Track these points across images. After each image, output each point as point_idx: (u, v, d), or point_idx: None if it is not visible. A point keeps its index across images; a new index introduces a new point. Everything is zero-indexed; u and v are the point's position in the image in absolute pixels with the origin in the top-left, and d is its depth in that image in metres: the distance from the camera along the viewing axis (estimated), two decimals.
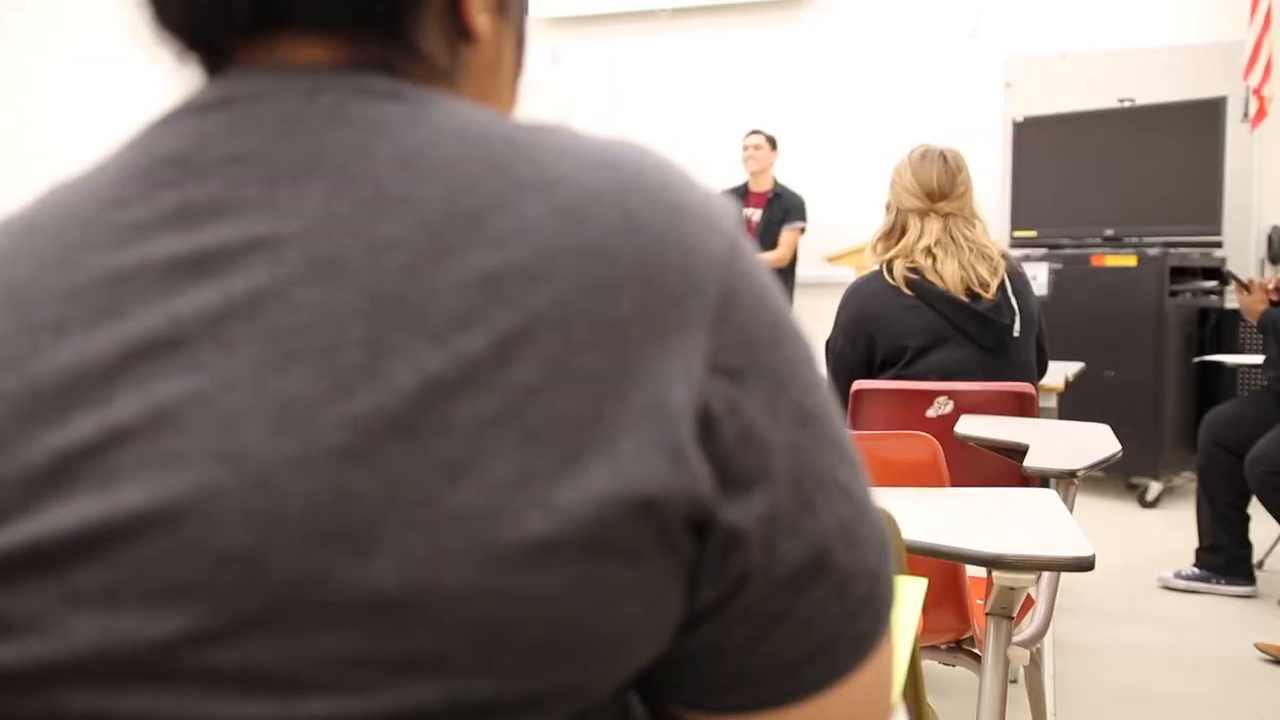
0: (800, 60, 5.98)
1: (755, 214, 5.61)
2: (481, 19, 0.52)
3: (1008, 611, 1.26)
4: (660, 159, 0.48)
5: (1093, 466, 1.58)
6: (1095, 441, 1.82)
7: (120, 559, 0.39)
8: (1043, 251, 4.93)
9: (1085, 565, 1.11)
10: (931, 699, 2.44)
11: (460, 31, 0.52)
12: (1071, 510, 1.64)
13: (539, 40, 6.30)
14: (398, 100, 0.47)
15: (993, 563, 1.13)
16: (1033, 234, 5.08)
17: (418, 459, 0.39)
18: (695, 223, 0.45)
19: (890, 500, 1.44)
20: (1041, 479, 1.77)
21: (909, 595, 0.87)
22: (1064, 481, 1.66)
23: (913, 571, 1.37)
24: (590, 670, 0.42)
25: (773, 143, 5.61)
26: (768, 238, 5.52)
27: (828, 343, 2.43)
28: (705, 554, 0.43)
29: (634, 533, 0.41)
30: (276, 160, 0.44)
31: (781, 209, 5.55)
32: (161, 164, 0.46)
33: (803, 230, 5.56)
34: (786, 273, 5.56)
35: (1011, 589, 1.21)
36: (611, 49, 6.34)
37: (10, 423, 0.41)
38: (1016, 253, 4.96)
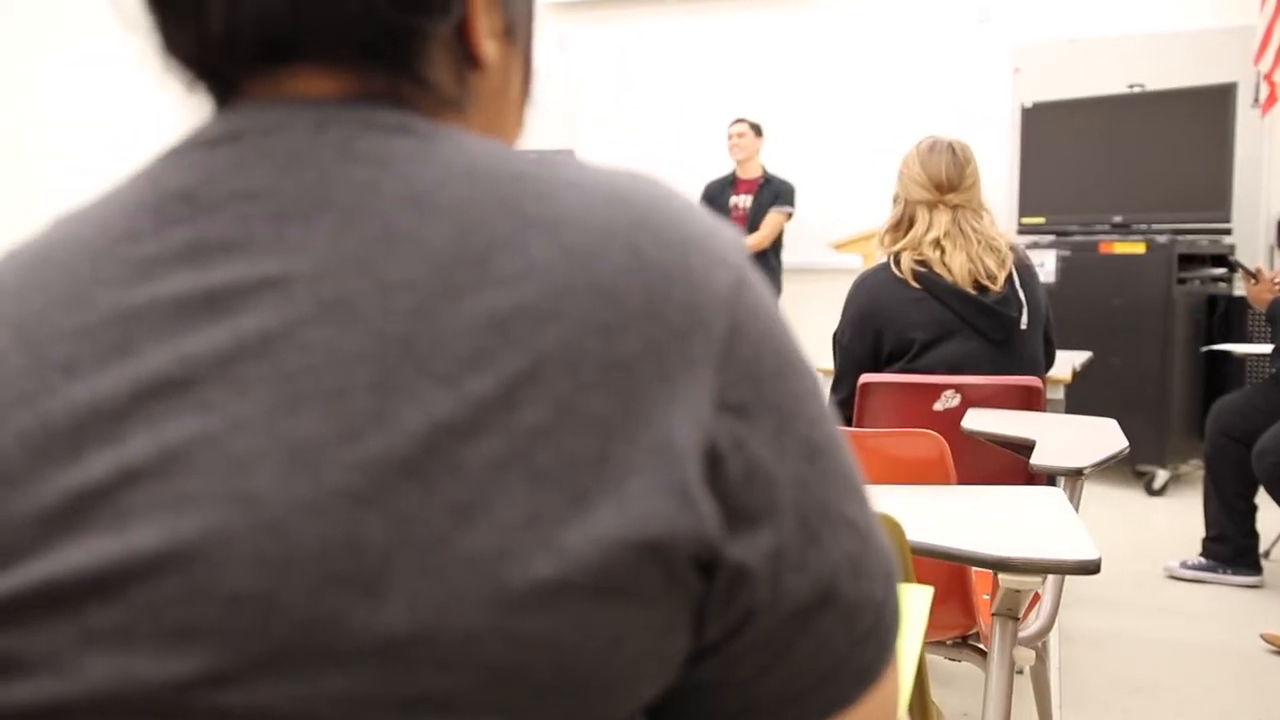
0: (809, 46, 5.95)
1: (744, 200, 5.60)
2: (489, 46, 0.52)
3: (1014, 612, 1.26)
4: (667, 191, 0.48)
5: (1099, 464, 1.58)
6: (1102, 437, 1.82)
7: (134, 600, 0.40)
8: (1050, 238, 4.92)
9: (1091, 569, 1.11)
10: (936, 691, 2.45)
11: (468, 59, 0.52)
12: (1078, 506, 1.65)
13: (547, 26, 6.28)
14: (406, 135, 0.47)
15: (999, 566, 1.14)
16: (1041, 220, 5.06)
17: (427, 502, 0.40)
18: (701, 257, 0.45)
19: (897, 498, 1.45)
20: (1048, 476, 1.77)
21: (915, 604, 0.87)
22: (1071, 479, 1.66)
23: (919, 568, 1.37)
24: (596, 707, 0.43)
25: (757, 130, 5.59)
26: (757, 223, 5.51)
27: (835, 335, 2.43)
28: (712, 591, 0.44)
29: (641, 574, 0.41)
30: (286, 197, 0.45)
31: (771, 194, 5.54)
32: (171, 199, 0.46)
33: (789, 215, 5.53)
34: (770, 256, 5.52)
35: (1017, 591, 1.21)
36: (620, 35, 6.31)
37: (24, 461, 0.42)
38: (1024, 239, 4.95)
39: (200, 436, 0.41)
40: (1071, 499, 1.66)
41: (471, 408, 0.40)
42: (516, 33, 0.55)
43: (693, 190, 5.73)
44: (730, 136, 5.60)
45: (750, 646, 0.45)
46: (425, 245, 0.43)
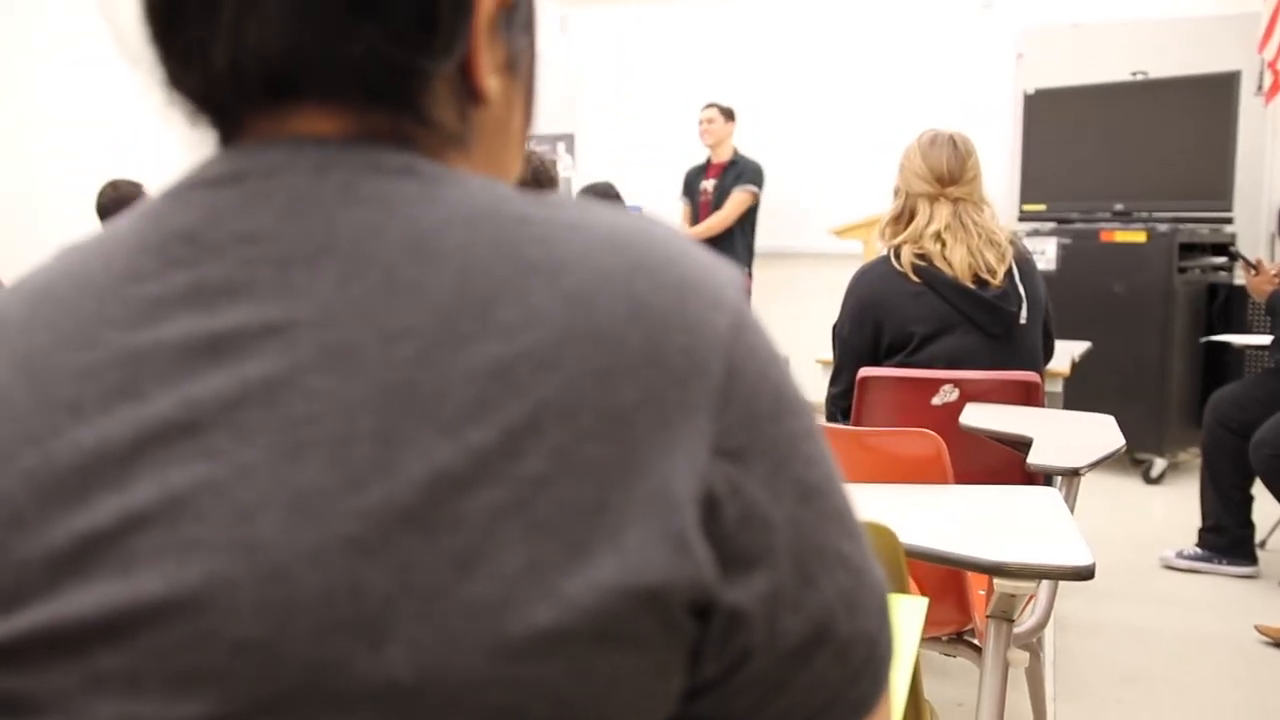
0: (812, 32, 5.93)
1: (710, 184, 5.56)
2: (491, 81, 0.52)
3: (1008, 614, 1.27)
4: (665, 232, 0.49)
5: (1095, 464, 1.59)
6: (1099, 434, 1.83)
7: (140, 645, 0.40)
8: (1051, 226, 4.91)
9: (1085, 575, 1.12)
10: (931, 682, 2.47)
11: (470, 94, 0.52)
12: (1074, 506, 1.66)
13: (549, 8, 6.25)
14: (409, 177, 0.47)
15: (994, 571, 1.15)
16: (1042, 208, 5.06)
17: (430, 550, 0.40)
18: (699, 301, 0.46)
19: (894, 498, 1.46)
20: (1045, 475, 1.78)
21: (909, 616, 0.88)
22: (1067, 478, 1.67)
23: (915, 566, 1.38)
24: None
25: (728, 114, 5.54)
26: (722, 205, 5.48)
27: (835, 327, 2.44)
28: (708, 635, 0.44)
29: (638, 621, 0.42)
30: (288, 241, 0.45)
31: (734, 175, 5.48)
32: (175, 239, 0.46)
33: (755, 195, 5.45)
34: (737, 237, 5.45)
35: (1012, 595, 1.22)
36: (622, 17, 6.29)
37: (32, 503, 0.42)
38: (1025, 226, 4.95)
39: (205, 483, 0.41)
40: (1068, 498, 1.67)
41: (473, 458, 0.41)
42: (519, 65, 0.55)
43: None
44: (700, 122, 5.54)
45: (747, 683, 0.46)
46: (427, 292, 0.43)
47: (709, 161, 5.62)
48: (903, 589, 0.93)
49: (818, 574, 0.47)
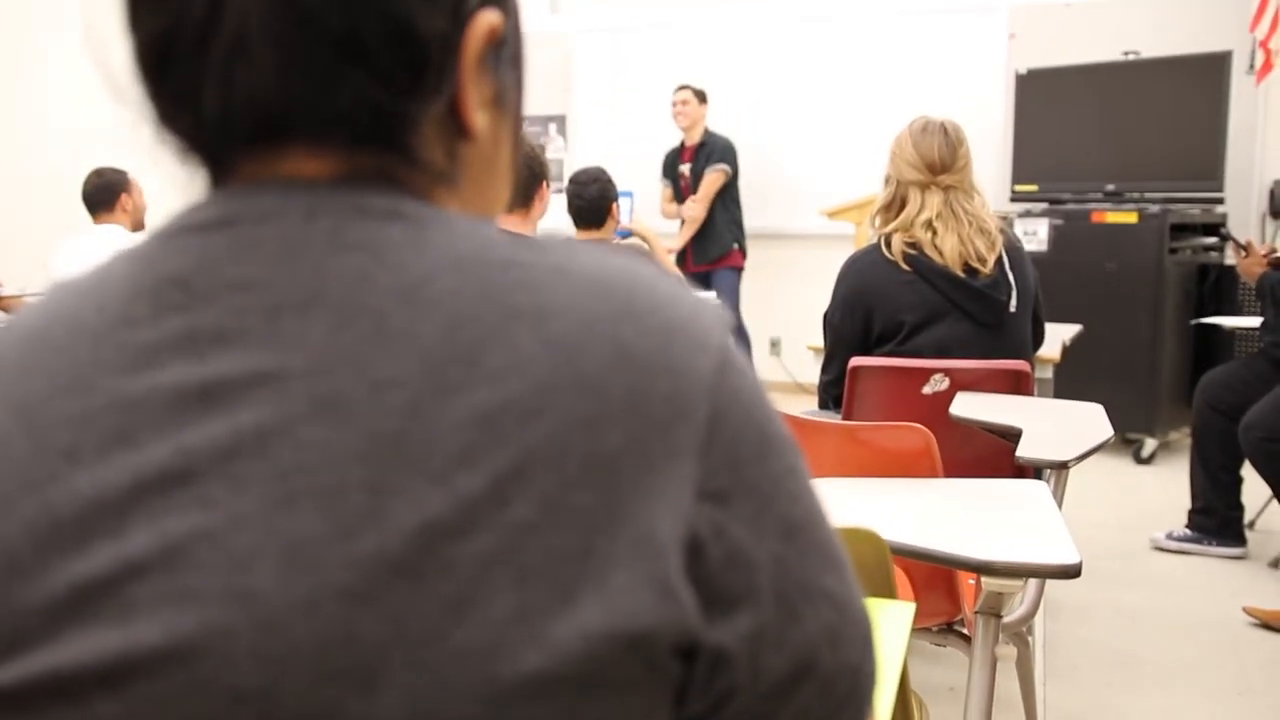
0: (803, 12, 5.91)
1: (687, 168, 5.56)
2: (479, 117, 0.53)
3: (996, 610, 1.29)
4: (652, 275, 0.49)
5: (1083, 456, 1.60)
6: (1087, 424, 1.84)
7: (138, 693, 0.41)
8: (1043, 206, 4.92)
9: (1072, 573, 1.13)
10: (923, 667, 2.49)
11: (458, 130, 0.52)
12: (1062, 498, 1.67)
13: None
14: (397, 221, 0.48)
15: (982, 569, 1.16)
16: (1034, 188, 5.06)
17: (421, 598, 0.41)
18: (684, 344, 0.47)
19: (883, 493, 1.47)
20: (1035, 469, 1.80)
21: (896, 620, 0.89)
22: (1056, 470, 1.68)
23: (904, 560, 1.40)
24: None
25: (701, 96, 5.53)
26: (698, 187, 5.48)
27: (826, 315, 2.45)
28: (693, 675, 0.45)
29: (624, 665, 0.43)
30: (279, 289, 0.46)
31: (705, 156, 5.48)
32: (167, 285, 0.47)
33: (728, 173, 5.44)
34: (719, 214, 5.45)
35: (1000, 593, 1.23)
36: None
37: (31, 551, 0.43)
38: (1017, 207, 4.96)
39: (201, 532, 0.42)
40: (1056, 489, 1.69)
41: (462, 506, 0.42)
42: (506, 99, 0.56)
43: None
44: (674, 104, 5.52)
45: (732, 718, 0.47)
46: (416, 341, 0.44)
47: (683, 144, 5.61)
48: (890, 593, 0.94)
49: (801, 610, 0.48)
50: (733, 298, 5.55)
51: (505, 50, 0.54)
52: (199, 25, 0.46)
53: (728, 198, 5.50)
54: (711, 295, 4.75)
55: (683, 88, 5.52)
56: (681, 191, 5.60)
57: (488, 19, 0.51)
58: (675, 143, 5.66)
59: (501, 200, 0.59)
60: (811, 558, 0.49)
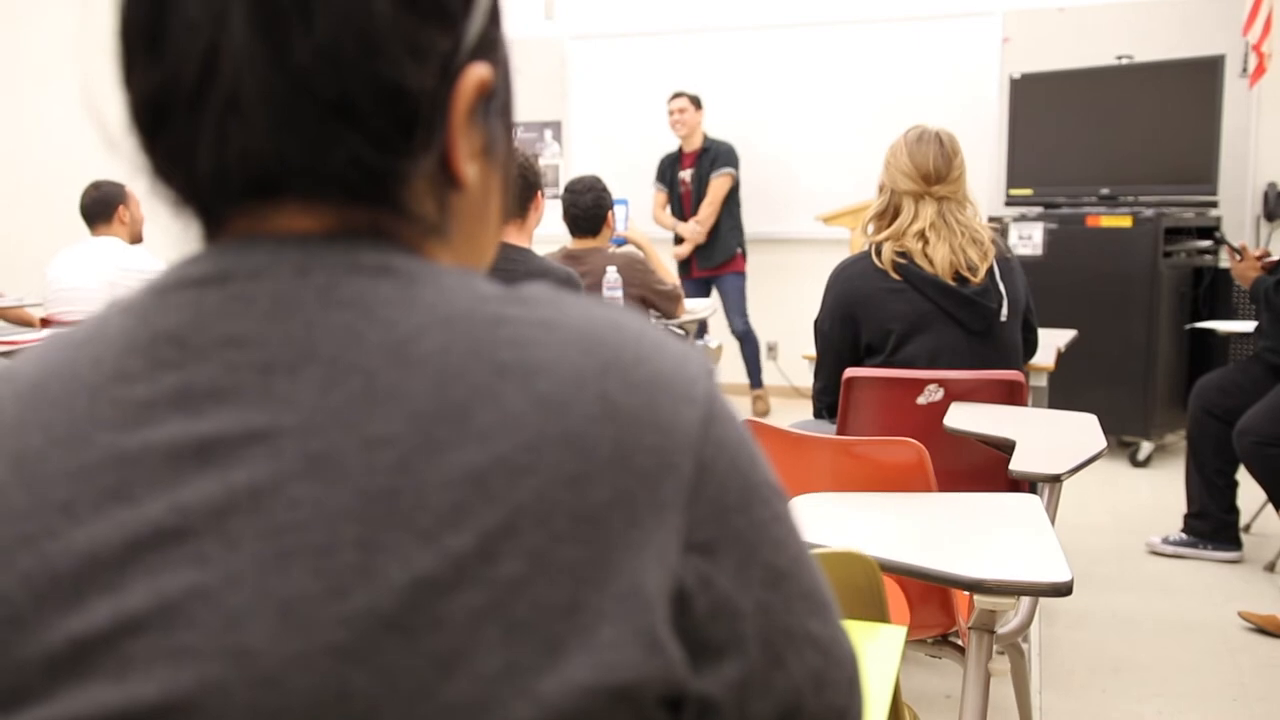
0: (799, 16, 5.92)
1: (688, 175, 5.58)
2: (469, 169, 0.53)
3: (989, 626, 1.30)
4: (638, 326, 0.50)
5: (1076, 469, 1.61)
6: (1081, 436, 1.85)
7: None
8: (1038, 210, 4.93)
9: (1063, 591, 1.14)
10: (920, 674, 2.50)
11: (449, 182, 0.53)
12: (1055, 513, 1.68)
13: None
14: (387, 277, 0.48)
15: (974, 587, 1.17)
16: (1028, 192, 5.07)
17: (412, 654, 0.42)
18: (670, 397, 0.48)
19: (876, 508, 1.48)
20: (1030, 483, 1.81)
21: (888, 644, 0.90)
22: (1049, 483, 1.69)
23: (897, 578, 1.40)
24: None
25: (696, 103, 5.56)
26: (702, 193, 5.51)
27: (816, 322, 2.46)
28: None
29: (612, 717, 0.43)
30: (271, 346, 0.46)
31: (709, 161, 5.51)
32: (162, 341, 0.48)
33: (733, 176, 5.49)
34: (725, 220, 5.49)
35: (992, 611, 1.24)
36: (606, 1, 6.25)
37: (29, 605, 0.44)
38: (1011, 211, 4.97)
39: (196, 589, 0.43)
40: (1050, 502, 1.70)
41: (451, 563, 0.43)
42: (495, 148, 0.57)
43: None
44: (671, 113, 5.53)
45: None
46: (406, 399, 0.45)
47: (681, 151, 5.62)
48: (882, 616, 0.95)
49: (786, 656, 0.49)
50: (740, 301, 5.59)
51: (495, 102, 0.55)
52: (193, 84, 0.47)
53: (731, 203, 5.55)
54: (711, 302, 4.76)
55: (678, 95, 5.54)
56: (681, 199, 5.62)
57: (477, 73, 0.52)
58: (672, 148, 5.67)
59: (491, 247, 0.59)
60: (796, 604, 0.50)
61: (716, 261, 5.54)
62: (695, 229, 5.48)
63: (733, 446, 0.49)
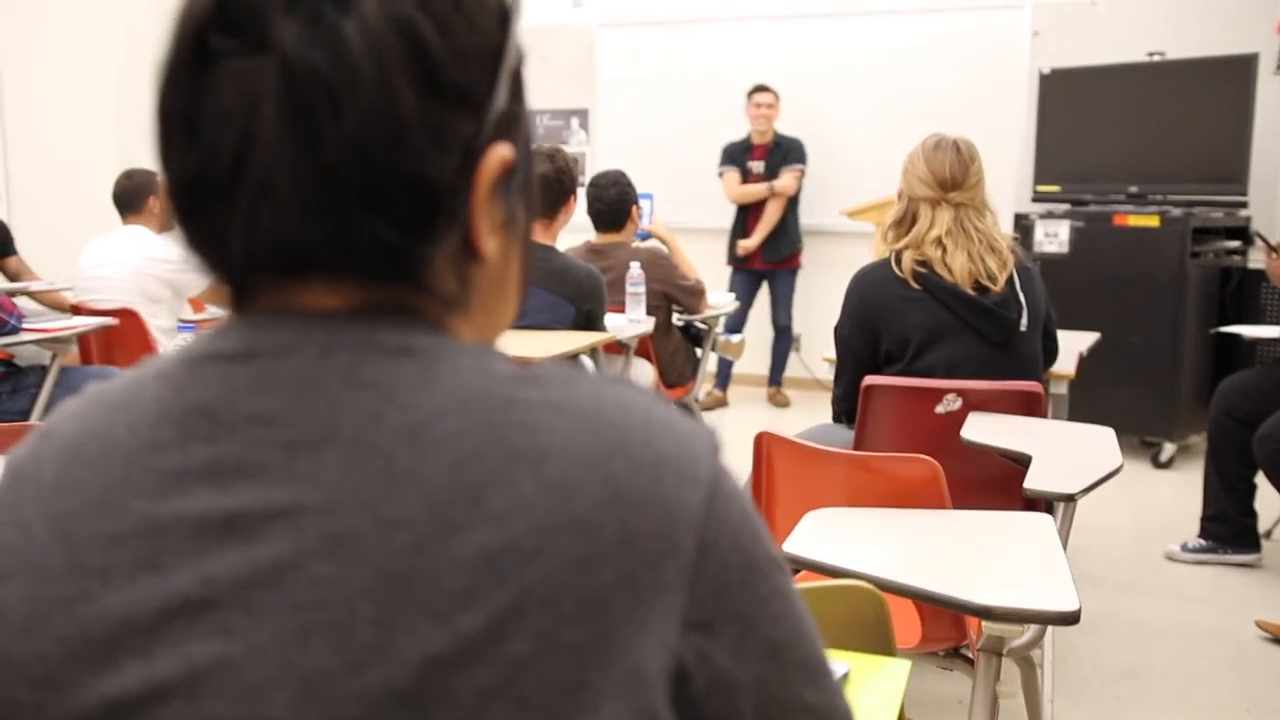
0: (828, 8, 5.89)
1: (759, 166, 5.63)
2: (490, 243, 0.55)
3: (997, 649, 1.31)
4: (645, 404, 0.52)
5: (1090, 488, 1.62)
6: (1097, 452, 1.86)
7: None
8: (1065, 208, 4.90)
9: (1070, 620, 1.16)
10: (933, 682, 2.52)
11: (470, 255, 0.55)
12: (1069, 533, 1.69)
13: None
14: (407, 358, 0.51)
15: (982, 614, 1.19)
16: (1056, 189, 5.04)
17: None
18: (674, 478, 0.50)
19: (889, 527, 1.50)
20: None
21: (892, 678, 0.92)
22: (1063, 501, 1.70)
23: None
24: None
25: (778, 96, 5.62)
26: (771, 179, 5.59)
27: (836, 328, 2.47)
28: None
29: None
30: (296, 425, 0.49)
31: (781, 155, 5.58)
32: (193, 413, 0.50)
33: (803, 171, 5.59)
34: (789, 215, 5.61)
35: (1000, 636, 1.26)
36: None
37: (65, 666, 0.47)
38: (1038, 208, 4.94)
39: (222, 660, 0.46)
40: (1064, 519, 1.71)
41: (462, 642, 0.45)
42: (516, 221, 0.58)
43: (713, 151, 5.71)
44: (759, 106, 5.57)
45: None
46: (423, 482, 0.47)
47: (750, 142, 5.65)
48: (888, 650, 0.97)
49: None
50: (790, 297, 5.68)
51: (515, 178, 0.57)
52: (227, 171, 0.50)
53: (796, 199, 5.62)
54: (730, 299, 4.77)
55: (764, 90, 5.58)
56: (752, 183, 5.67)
57: (500, 154, 0.54)
58: (715, 132, 5.70)
59: (509, 315, 0.62)
60: (792, 674, 0.52)
61: (782, 255, 5.64)
62: (788, 181, 5.51)
63: (735, 523, 0.51)
